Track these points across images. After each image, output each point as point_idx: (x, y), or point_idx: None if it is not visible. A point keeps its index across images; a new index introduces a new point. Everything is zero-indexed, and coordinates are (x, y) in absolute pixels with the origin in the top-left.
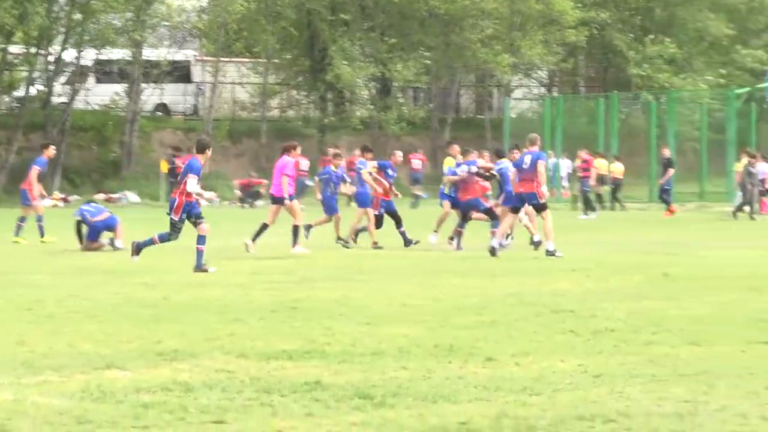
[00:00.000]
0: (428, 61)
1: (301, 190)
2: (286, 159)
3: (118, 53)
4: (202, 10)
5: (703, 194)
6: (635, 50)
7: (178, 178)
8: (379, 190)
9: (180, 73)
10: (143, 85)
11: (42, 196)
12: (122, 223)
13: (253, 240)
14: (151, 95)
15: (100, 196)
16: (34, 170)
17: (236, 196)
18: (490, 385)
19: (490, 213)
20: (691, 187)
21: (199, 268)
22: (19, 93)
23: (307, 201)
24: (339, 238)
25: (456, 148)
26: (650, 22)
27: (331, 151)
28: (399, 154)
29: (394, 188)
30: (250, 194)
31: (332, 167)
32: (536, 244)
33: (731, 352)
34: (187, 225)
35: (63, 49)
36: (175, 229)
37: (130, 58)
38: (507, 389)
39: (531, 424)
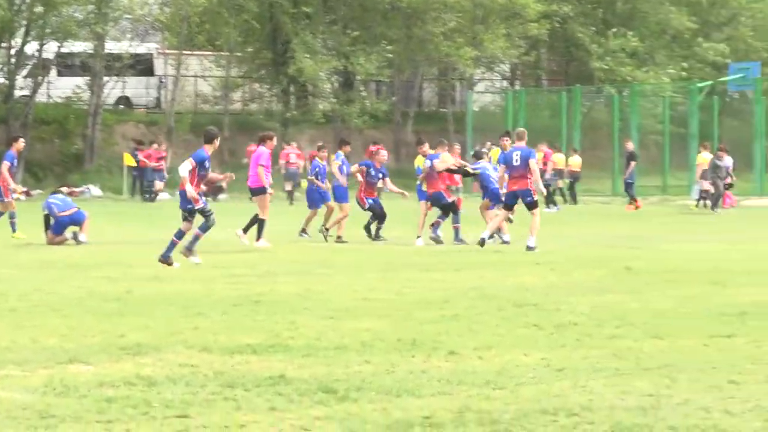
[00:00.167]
0: (391, 55)
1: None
2: (262, 149)
3: (80, 46)
4: (164, 3)
5: (665, 188)
6: (597, 43)
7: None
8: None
9: (142, 66)
10: (105, 78)
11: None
12: (89, 219)
13: (258, 239)
14: (113, 88)
15: (64, 190)
16: (5, 165)
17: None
18: (453, 379)
19: (450, 207)
20: (653, 181)
21: (165, 259)
22: None
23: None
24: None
25: (426, 148)
26: (612, 15)
27: (318, 144)
28: (383, 154)
29: (393, 186)
30: (213, 189)
31: (318, 160)
32: (483, 242)
33: (694, 345)
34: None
35: (25, 41)
36: (206, 214)
37: (92, 51)
38: (470, 383)
39: (494, 418)
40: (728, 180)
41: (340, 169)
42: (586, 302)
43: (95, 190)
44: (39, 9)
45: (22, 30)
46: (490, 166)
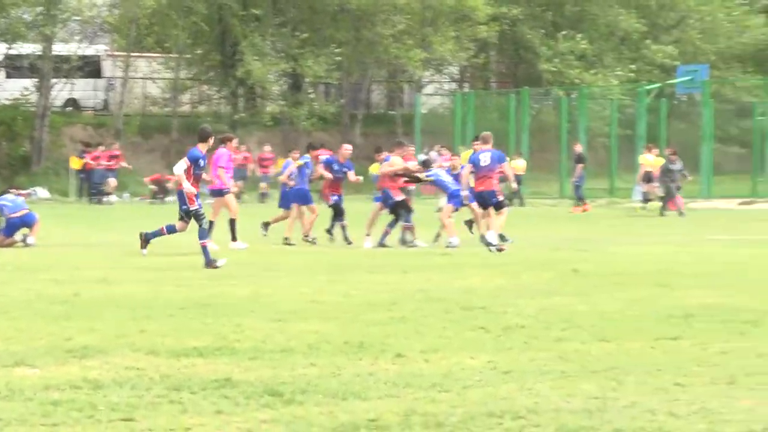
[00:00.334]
0: (339, 57)
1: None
2: (221, 151)
3: (28, 48)
4: (113, 4)
5: (612, 190)
6: (547, 46)
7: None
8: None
9: (90, 68)
10: (53, 80)
11: None
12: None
13: (234, 239)
14: (61, 90)
15: (12, 192)
16: None
17: (152, 191)
18: (400, 382)
19: (400, 206)
20: (601, 183)
21: (209, 264)
22: None
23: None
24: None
25: (383, 156)
26: (561, 17)
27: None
28: (346, 147)
29: (357, 178)
30: (162, 190)
31: (291, 160)
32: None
33: (641, 348)
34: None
35: None
36: (199, 217)
37: (40, 53)
38: (416, 386)
39: (440, 421)
40: (687, 180)
41: (302, 169)
42: (533, 305)
43: (42, 192)
44: None
45: None
46: (443, 171)
